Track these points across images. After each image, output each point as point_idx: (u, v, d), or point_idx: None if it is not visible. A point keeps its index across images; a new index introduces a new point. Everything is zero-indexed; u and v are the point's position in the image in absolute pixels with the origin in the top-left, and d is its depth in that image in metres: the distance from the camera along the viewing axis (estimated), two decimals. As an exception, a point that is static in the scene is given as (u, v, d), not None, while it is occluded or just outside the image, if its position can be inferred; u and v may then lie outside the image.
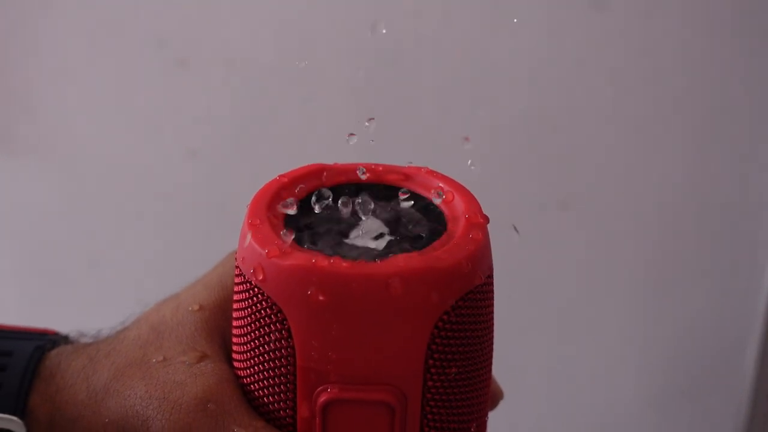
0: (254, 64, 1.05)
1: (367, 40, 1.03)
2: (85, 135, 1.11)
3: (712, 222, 1.07)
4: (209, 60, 1.06)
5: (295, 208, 0.45)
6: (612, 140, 1.05)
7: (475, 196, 0.46)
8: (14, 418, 0.47)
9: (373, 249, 0.43)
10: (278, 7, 1.03)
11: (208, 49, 1.06)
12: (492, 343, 0.45)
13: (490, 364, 0.46)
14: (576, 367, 1.15)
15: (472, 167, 0.49)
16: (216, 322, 0.49)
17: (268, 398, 0.44)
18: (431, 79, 1.04)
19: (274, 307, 0.42)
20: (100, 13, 1.05)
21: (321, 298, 0.40)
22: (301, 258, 0.41)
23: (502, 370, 0.55)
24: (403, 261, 0.41)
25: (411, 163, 0.49)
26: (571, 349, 1.14)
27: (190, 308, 0.49)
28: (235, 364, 0.46)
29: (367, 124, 0.49)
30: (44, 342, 0.50)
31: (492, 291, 0.45)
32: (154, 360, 0.47)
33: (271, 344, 0.42)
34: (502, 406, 0.53)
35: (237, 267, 0.44)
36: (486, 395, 0.46)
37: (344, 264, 0.40)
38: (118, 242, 1.15)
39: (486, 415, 0.47)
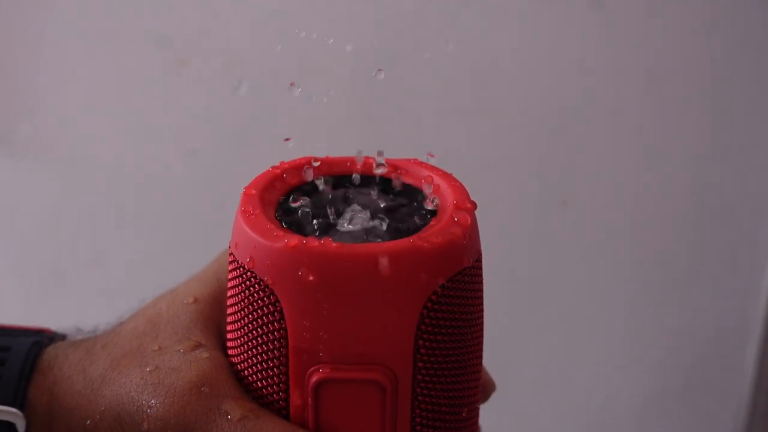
0: (254, 64, 1.06)
1: (366, 40, 1.03)
2: (85, 134, 1.11)
3: (712, 222, 1.07)
4: (209, 60, 1.06)
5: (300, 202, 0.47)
6: (612, 140, 1.05)
7: (463, 184, 0.47)
8: (14, 409, 0.47)
9: (363, 234, 0.44)
10: (278, 7, 1.04)
11: (208, 49, 1.06)
12: (482, 329, 0.46)
13: (481, 349, 0.46)
14: (575, 366, 1.15)
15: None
16: (211, 314, 0.50)
17: (261, 381, 0.44)
18: (431, 79, 1.04)
19: (267, 289, 0.42)
20: (101, 13, 1.06)
21: (311, 278, 0.41)
22: (292, 240, 0.42)
23: (500, 369, 0.55)
24: (392, 242, 0.42)
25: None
26: (571, 348, 1.14)
27: (186, 301, 0.50)
28: (230, 351, 0.47)
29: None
30: (42, 338, 0.51)
31: (481, 275, 0.46)
32: (149, 350, 0.47)
33: (264, 326, 0.43)
34: (499, 404, 0.53)
35: (231, 254, 0.45)
36: (477, 381, 0.47)
37: (334, 245, 0.41)
38: (118, 242, 1.15)
39: (477, 402, 0.48)
